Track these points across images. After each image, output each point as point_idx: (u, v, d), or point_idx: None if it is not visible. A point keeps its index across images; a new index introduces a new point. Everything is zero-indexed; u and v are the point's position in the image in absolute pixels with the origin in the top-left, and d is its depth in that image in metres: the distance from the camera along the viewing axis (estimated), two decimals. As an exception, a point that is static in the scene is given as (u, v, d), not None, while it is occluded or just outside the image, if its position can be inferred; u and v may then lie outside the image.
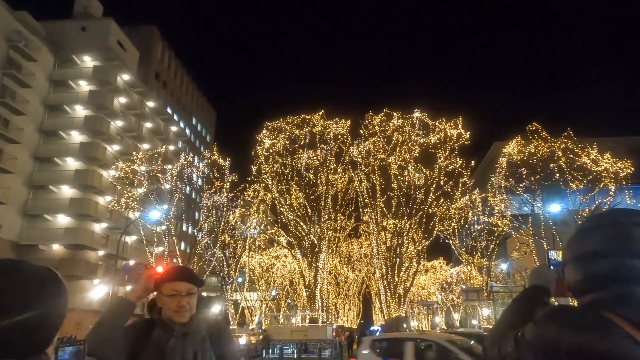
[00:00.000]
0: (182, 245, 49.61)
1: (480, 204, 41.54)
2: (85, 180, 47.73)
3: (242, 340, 31.63)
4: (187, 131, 76.09)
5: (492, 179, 36.14)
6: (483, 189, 40.49)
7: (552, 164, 31.76)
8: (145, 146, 54.76)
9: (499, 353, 1.30)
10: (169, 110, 67.84)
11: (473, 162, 39.10)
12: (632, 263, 1.16)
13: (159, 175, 38.57)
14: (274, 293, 53.82)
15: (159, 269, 23.36)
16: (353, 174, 39.10)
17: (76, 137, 49.76)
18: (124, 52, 56.27)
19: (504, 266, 49.86)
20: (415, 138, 37.51)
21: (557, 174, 31.59)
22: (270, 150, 39.55)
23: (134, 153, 41.36)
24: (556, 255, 29.19)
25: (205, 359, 2.43)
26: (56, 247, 46.56)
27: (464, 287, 46.68)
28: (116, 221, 48.14)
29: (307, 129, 39.52)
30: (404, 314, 36.81)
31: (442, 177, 37.04)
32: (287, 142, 39.51)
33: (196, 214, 50.62)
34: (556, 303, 1.39)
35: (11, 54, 44.34)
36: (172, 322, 2.45)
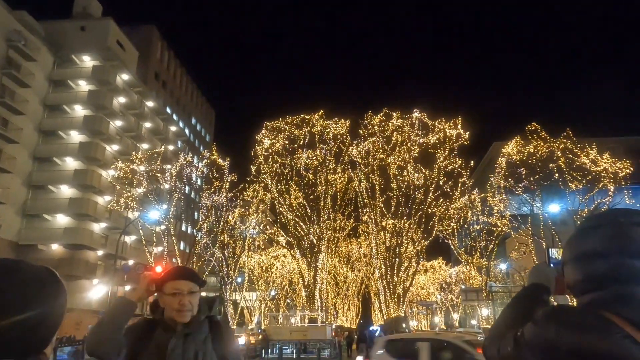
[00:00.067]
0: (182, 245, 49.61)
1: (479, 204, 41.55)
2: (84, 180, 47.71)
3: (241, 340, 31.65)
4: (187, 131, 76.07)
5: (492, 179, 36.14)
6: (482, 189, 40.50)
7: (551, 164, 31.77)
8: (145, 146, 54.72)
9: (498, 353, 1.30)
10: (168, 110, 67.82)
11: (472, 162, 39.17)
12: (631, 263, 1.16)
13: (158, 175, 38.54)
14: (273, 293, 53.82)
15: (158, 269, 23.39)
16: (352, 174, 39.11)
17: (75, 136, 49.74)
18: (124, 52, 56.25)
19: (503, 266, 49.88)
20: (415, 138, 37.53)
21: (557, 174, 31.61)
22: (270, 150, 39.55)
23: (133, 153, 41.34)
24: (557, 253, 29.22)
25: (207, 359, 2.43)
26: (55, 247, 46.54)
27: (463, 287, 46.70)
28: (115, 221, 48.12)
29: (306, 129, 39.51)
30: (403, 314, 36.82)
31: (441, 177, 37.06)
32: (286, 142, 39.51)
33: (195, 213, 50.59)
34: (555, 302, 1.39)
35: (10, 53, 44.32)
36: (174, 322, 2.44)
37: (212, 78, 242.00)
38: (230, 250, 41.94)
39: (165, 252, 37.97)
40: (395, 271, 36.39)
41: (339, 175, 39.76)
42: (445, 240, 44.00)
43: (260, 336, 33.68)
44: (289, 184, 39.20)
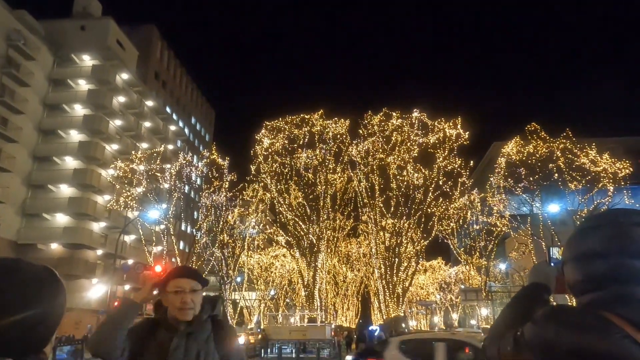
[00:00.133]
0: (181, 244, 49.63)
1: (479, 204, 41.56)
2: (84, 179, 47.72)
3: (241, 340, 31.62)
4: (186, 130, 76.08)
5: (491, 179, 36.15)
6: (482, 189, 40.50)
7: (551, 164, 31.77)
8: (144, 145, 54.74)
9: (498, 353, 1.30)
10: (168, 109, 67.82)
11: (472, 162, 39.21)
12: (631, 263, 1.15)
13: (158, 174, 38.53)
14: (272, 292, 53.80)
15: (158, 268, 23.36)
16: (352, 174, 39.12)
17: (75, 136, 49.75)
18: (123, 51, 56.25)
19: (502, 266, 49.89)
20: (415, 138, 37.55)
21: (556, 174, 31.61)
22: (269, 150, 39.54)
23: (133, 152, 41.33)
24: (558, 253, 29.17)
25: (209, 359, 2.43)
26: (55, 247, 46.55)
27: (462, 287, 46.68)
28: (115, 220, 48.12)
29: (306, 129, 39.52)
30: (402, 314, 36.85)
31: (441, 177, 37.09)
32: (286, 142, 39.52)
33: (195, 213, 50.56)
34: (554, 302, 1.39)
35: (10, 53, 44.32)
36: (177, 322, 2.45)
37: (212, 78, 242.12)
38: (230, 249, 41.94)
39: (164, 252, 37.97)
40: (395, 271, 36.41)
41: (339, 175, 39.77)
42: (445, 240, 44.01)
43: (260, 336, 33.67)
44: (289, 183, 39.20)
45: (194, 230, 46.67)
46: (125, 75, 55.22)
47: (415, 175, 36.90)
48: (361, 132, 38.83)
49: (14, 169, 43.76)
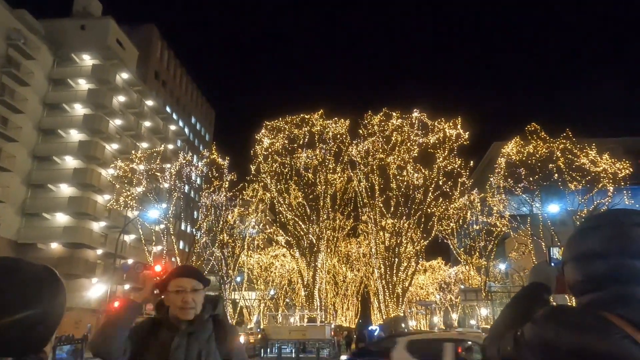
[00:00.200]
0: (181, 244, 49.62)
1: (479, 204, 41.57)
2: (84, 178, 47.71)
3: (241, 340, 31.60)
4: (186, 130, 76.06)
5: (491, 179, 36.16)
6: (482, 189, 40.52)
7: (550, 165, 31.78)
8: (144, 145, 54.73)
9: (498, 353, 1.30)
10: (168, 109, 67.81)
11: (472, 162, 39.22)
12: (631, 263, 1.15)
13: (158, 174, 38.53)
14: (272, 292, 53.81)
15: (158, 268, 23.37)
16: (352, 174, 39.13)
17: (75, 135, 49.74)
18: (123, 51, 56.25)
19: (502, 266, 49.89)
20: (414, 138, 37.55)
21: (556, 175, 31.62)
22: (269, 150, 39.54)
23: (133, 152, 41.33)
24: (558, 253, 29.22)
25: (210, 358, 2.43)
26: (55, 246, 46.54)
27: (462, 287, 46.69)
28: (115, 220, 48.10)
29: (306, 129, 39.52)
30: (402, 314, 36.86)
31: (441, 177, 37.10)
32: (286, 142, 39.51)
33: (195, 213, 50.56)
34: (554, 302, 1.39)
35: (10, 52, 44.31)
36: (178, 321, 2.45)
37: (212, 78, 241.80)
38: (230, 249, 41.94)
39: (164, 251, 37.97)
40: (395, 271, 36.41)
41: (339, 174, 39.76)
42: (445, 240, 44.00)
43: (259, 335, 33.68)
44: (289, 183, 39.21)
45: (193, 230, 46.67)
46: (125, 75, 55.22)
47: (415, 175, 36.91)
48: (361, 132, 38.86)
49: (14, 168, 43.76)
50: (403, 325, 33.16)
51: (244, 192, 42.21)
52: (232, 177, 41.13)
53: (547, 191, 32.13)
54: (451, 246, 46.02)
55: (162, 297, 2.54)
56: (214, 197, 40.43)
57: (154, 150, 41.55)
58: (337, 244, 44.68)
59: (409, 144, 37.49)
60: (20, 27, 45.40)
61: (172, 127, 66.87)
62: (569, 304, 1.34)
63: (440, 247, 52.37)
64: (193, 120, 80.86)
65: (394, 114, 38.32)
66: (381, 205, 37.28)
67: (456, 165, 37.33)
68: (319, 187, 38.72)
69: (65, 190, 48.20)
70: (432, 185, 36.91)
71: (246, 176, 40.55)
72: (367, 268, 53.92)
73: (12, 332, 1.11)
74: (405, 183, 36.84)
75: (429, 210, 37.20)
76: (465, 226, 45.31)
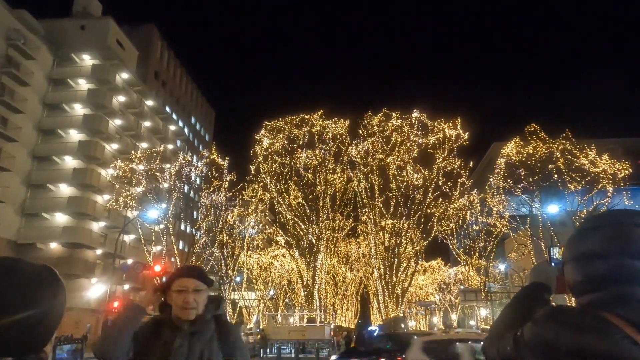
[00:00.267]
0: (181, 244, 49.60)
1: (478, 205, 41.58)
2: (83, 179, 47.70)
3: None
4: (186, 130, 76.05)
5: (491, 179, 36.15)
6: (481, 190, 40.53)
7: (550, 165, 31.79)
8: (144, 145, 54.73)
9: (498, 353, 1.30)
10: (167, 109, 67.81)
11: (472, 162, 39.25)
12: (631, 264, 1.16)
13: (158, 174, 38.53)
14: (272, 292, 53.80)
15: (157, 268, 23.35)
16: (352, 174, 39.14)
17: (75, 135, 49.73)
18: (123, 51, 56.25)
19: (502, 267, 49.92)
20: (414, 138, 37.56)
21: (556, 175, 31.62)
22: (269, 150, 39.55)
23: (133, 152, 41.33)
24: (558, 253, 29.22)
25: (212, 358, 2.43)
26: (54, 246, 46.52)
27: (461, 287, 46.67)
28: (114, 220, 48.10)
29: (305, 129, 39.53)
30: (401, 314, 36.86)
31: (440, 178, 37.11)
32: (285, 142, 39.52)
33: (194, 213, 50.56)
34: (553, 302, 1.39)
35: (10, 52, 44.30)
36: (180, 321, 2.46)
37: (212, 78, 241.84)
38: (229, 249, 41.94)
39: (164, 252, 37.95)
40: (394, 271, 36.42)
41: (338, 175, 39.78)
42: (444, 241, 44.03)
43: (259, 336, 33.67)
44: (288, 183, 39.21)
45: (193, 230, 46.68)
46: (125, 75, 55.22)
47: (415, 175, 36.92)
48: (361, 132, 38.89)
49: (14, 168, 43.74)
50: (402, 325, 33.14)
51: (244, 192, 42.22)
52: (232, 177, 41.15)
53: (547, 192, 32.14)
54: (451, 247, 46.04)
55: (163, 298, 2.55)
56: (214, 197, 40.43)
57: (153, 151, 41.54)
58: (336, 244, 44.67)
59: (408, 145, 37.51)
60: (20, 27, 45.39)
61: (172, 127, 66.87)
62: (568, 304, 1.34)
63: (439, 247, 52.47)
64: (193, 120, 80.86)
65: (393, 114, 38.35)
66: (381, 205, 37.29)
67: (456, 166, 37.36)
68: (319, 187, 38.73)
69: (65, 190, 48.19)
70: (432, 186, 36.93)
71: (246, 176, 40.62)
72: (366, 268, 53.93)
73: (12, 332, 1.11)
74: (404, 183, 36.85)
75: (428, 210, 37.22)
76: (464, 227, 45.33)
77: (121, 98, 54.69)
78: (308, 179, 39.08)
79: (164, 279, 2.62)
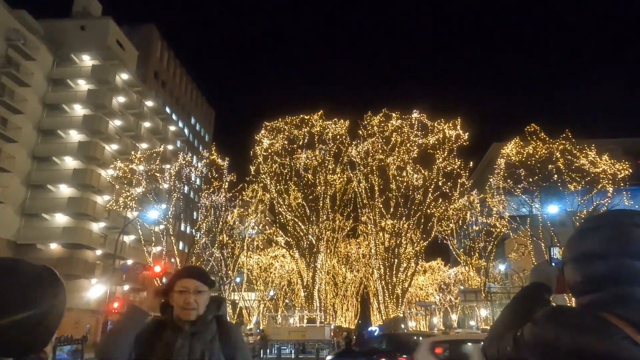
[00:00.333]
0: (181, 245, 49.57)
1: (478, 205, 41.59)
2: (83, 179, 47.69)
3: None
4: (186, 131, 76.05)
5: (491, 180, 36.16)
6: (481, 190, 40.53)
7: (550, 165, 31.80)
8: (144, 146, 54.73)
9: (498, 353, 1.30)
10: (167, 109, 67.82)
11: (471, 163, 39.28)
12: (631, 264, 1.16)
13: (158, 174, 38.54)
14: (272, 293, 53.80)
15: (157, 269, 23.36)
16: (351, 175, 39.16)
17: (75, 136, 49.72)
18: (123, 51, 56.26)
19: (502, 267, 49.91)
20: (414, 139, 37.58)
21: (556, 175, 31.63)
22: (269, 150, 39.57)
23: (133, 152, 41.33)
24: (558, 253, 29.23)
25: (213, 359, 2.44)
26: (54, 247, 46.51)
27: (462, 287, 46.67)
28: (114, 220, 48.09)
29: (305, 129, 39.55)
30: (401, 315, 36.86)
31: (440, 178, 37.13)
32: (285, 142, 39.54)
33: (194, 213, 50.56)
34: (553, 302, 1.39)
35: (10, 52, 44.29)
36: (181, 322, 2.47)
37: (212, 78, 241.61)
38: (229, 250, 41.95)
39: (164, 252, 37.95)
40: (394, 272, 36.42)
41: (338, 175, 39.80)
42: (444, 241, 44.03)
43: (259, 336, 33.69)
44: (288, 184, 39.23)
45: (193, 230, 46.67)
46: (125, 75, 55.22)
47: (415, 176, 36.93)
48: (361, 132, 38.91)
49: (14, 169, 43.72)
50: (402, 326, 33.15)
51: (244, 193, 42.23)
52: (232, 177, 41.15)
53: (547, 192, 32.14)
54: (451, 247, 46.04)
55: (163, 300, 2.56)
56: (214, 198, 40.43)
57: (153, 151, 41.55)
58: (336, 244, 44.69)
59: (408, 145, 37.53)
60: (19, 27, 45.38)
61: (172, 128, 66.86)
62: (568, 304, 1.34)
63: (439, 247, 52.49)
64: (192, 120, 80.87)
65: (393, 114, 38.37)
66: (381, 206, 37.30)
67: (456, 166, 37.39)
68: (319, 187, 38.74)
69: (65, 190, 48.18)
70: (432, 186, 36.95)
71: (246, 177, 40.64)
72: (366, 269, 53.96)
73: (12, 333, 1.11)
74: (404, 184, 36.87)
75: (428, 211, 37.23)
76: (464, 227, 45.34)
77: (121, 98, 54.69)
78: (308, 180, 39.11)
79: (164, 280, 2.63)
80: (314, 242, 38.20)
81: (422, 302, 62.71)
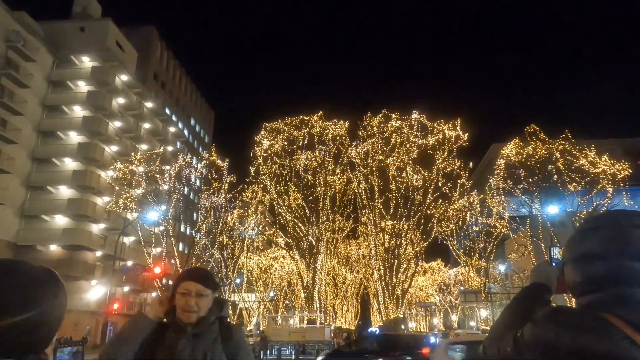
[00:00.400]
0: (180, 246, 49.51)
1: (478, 206, 41.60)
2: (83, 180, 47.68)
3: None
4: (186, 132, 76.03)
5: (490, 180, 36.17)
6: (481, 191, 40.55)
7: (550, 166, 31.81)
8: (144, 147, 54.72)
9: (498, 353, 1.30)
10: (167, 110, 67.81)
11: (471, 163, 39.27)
12: (631, 265, 1.16)
13: (157, 176, 38.53)
14: (272, 294, 53.77)
15: (157, 270, 23.32)
16: (351, 175, 39.14)
17: (74, 137, 49.72)
18: (123, 52, 56.27)
19: (502, 267, 49.94)
20: (414, 139, 37.58)
21: (555, 176, 31.64)
22: (269, 151, 39.56)
23: (132, 154, 41.36)
24: (559, 253, 29.23)
25: None
26: (54, 248, 46.49)
27: (462, 288, 46.68)
28: (114, 222, 48.08)
29: (305, 130, 39.54)
30: (402, 315, 36.85)
31: (440, 179, 37.12)
32: (285, 143, 39.53)
33: (194, 214, 50.56)
34: (553, 303, 1.40)
35: (9, 54, 44.28)
36: (184, 323, 2.47)
37: (212, 78, 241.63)
38: (229, 251, 41.94)
39: (164, 253, 37.94)
40: (394, 272, 36.41)
41: (338, 176, 39.79)
42: (444, 242, 44.04)
43: (259, 337, 33.66)
44: (288, 185, 39.22)
45: (193, 231, 46.67)
46: (124, 77, 55.23)
47: (415, 176, 36.93)
48: (360, 133, 38.91)
49: (13, 170, 43.70)
50: (403, 326, 33.15)
51: (244, 194, 42.22)
52: (232, 178, 41.15)
53: (547, 192, 32.14)
54: (451, 247, 46.06)
55: (168, 305, 2.57)
56: (214, 199, 40.43)
57: (153, 152, 41.54)
58: (336, 245, 44.68)
59: (408, 146, 37.53)
60: (19, 28, 45.39)
61: (172, 129, 66.86)
62: (568, 304, 1.34)
63: (439, 248, 52.52)
64: (192, 121, 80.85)
65: (393, 115, 38.38)
66: (381, 206, 37.30)
67: (455, 167, 37.38)
68: (319, 188, 38.74)
69: (65, 192, 48.17)
70: (432, 187, 36.94)
71: (245, 178, 40.62)
72: (366, 269, 53.95)
73: (12, 334, 1.11)
74: (404, 184, 36.87)
75: (428, 211, 37.23)
76: (464, 227, 45.35)
77: (121, 100, 54.70)
78: (308, 181, 39.10)
79: (163, 281, 2.64)
80: (313, 243, 38.19)
81: (422, 302, 62.72)
